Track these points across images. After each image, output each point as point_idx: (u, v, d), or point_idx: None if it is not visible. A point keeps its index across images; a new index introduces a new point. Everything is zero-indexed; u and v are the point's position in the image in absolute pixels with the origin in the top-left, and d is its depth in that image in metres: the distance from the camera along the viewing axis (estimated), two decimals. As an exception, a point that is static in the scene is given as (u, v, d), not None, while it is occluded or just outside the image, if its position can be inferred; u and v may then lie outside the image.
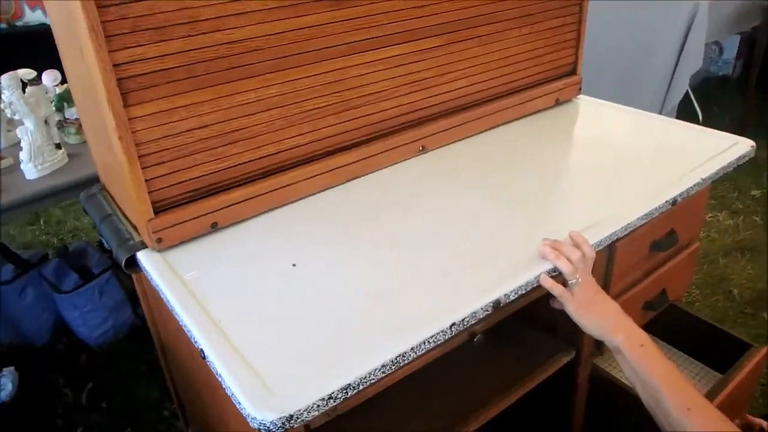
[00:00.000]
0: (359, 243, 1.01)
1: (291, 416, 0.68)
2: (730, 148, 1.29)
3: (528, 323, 1.27)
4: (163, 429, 1.84)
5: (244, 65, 0.98)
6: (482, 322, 0.92)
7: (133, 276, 1.25)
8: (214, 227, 1.04)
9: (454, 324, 0.81)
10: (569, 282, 0.92)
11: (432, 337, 0.79)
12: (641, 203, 1.10)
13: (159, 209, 0.98)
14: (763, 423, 1.17)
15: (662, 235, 1.24)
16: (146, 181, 0.95)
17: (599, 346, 1.25)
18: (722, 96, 3.98)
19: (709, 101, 3.75)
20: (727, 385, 1.24)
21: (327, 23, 1.04)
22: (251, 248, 1.01)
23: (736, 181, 2.99)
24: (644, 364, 0.87)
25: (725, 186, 2.96)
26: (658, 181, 1.18)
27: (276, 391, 0.71)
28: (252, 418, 0.68)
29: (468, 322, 0.83)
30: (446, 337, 0.81)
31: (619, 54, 3.32)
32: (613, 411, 1.29)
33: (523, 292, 0.89)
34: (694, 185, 1.17)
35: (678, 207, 1.18)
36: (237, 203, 1.05)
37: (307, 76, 1.06)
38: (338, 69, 1.09)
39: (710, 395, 1.24)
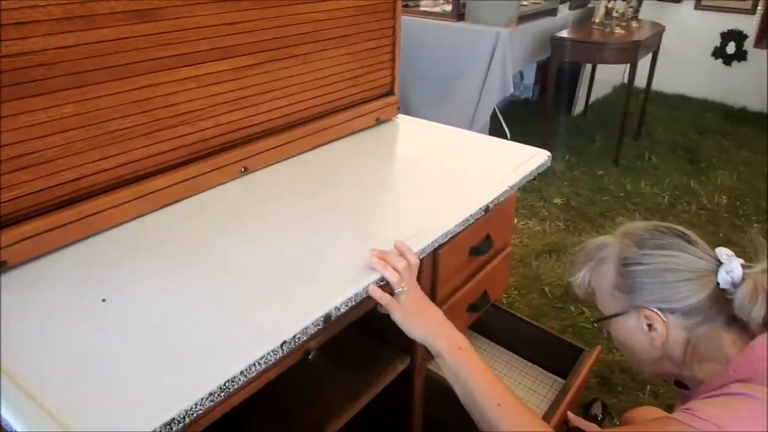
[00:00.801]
0: (179, 270, 0.94)
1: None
2: (530, 158, 1.41)
3: (362, 333, 1.28)
4: None
5: (29, 82, 0.87)
6: (316, 338, 0.90)
7: None
8: (3, 266, 0.91)
9: (285, 342, 0.79)
10: (396, 291, 0.94)
11: (262, 358, 0.76)
12: (458, 211, 1.16)
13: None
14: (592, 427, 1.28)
15: (479, 240, 1.32)
16: None
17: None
18: (526, 116, 4.41)
19: (515, 121, 4.13)
20: (570, 388, 1.36)
21: (128, 37, 0.97)
22: (52, 286, 0.90)
23: (542, 192, 3.31)
24: (461, 365, 0.91)
25: (533, 196, 3.26)
26: (472, 190, 1.25)
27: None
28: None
29: (299, 338, 0.81)
30: (278, 357, 0.78)
31: (435, 75, 3.54)
32: (449, 411, 1.34)
33: (353, 303, 0.89)
34: (503, 192, 1.26)
35: (491, 214, 1.27)
36: (30, 237, 0.93)
37: (110, 94, 0.98)
38: (146, 86, 1.02)
39: (559, 398, 1.35)
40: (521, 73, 4.67)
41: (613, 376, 2.02)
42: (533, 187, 3.32)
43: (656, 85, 4.27)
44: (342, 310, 0.87)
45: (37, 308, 0.85)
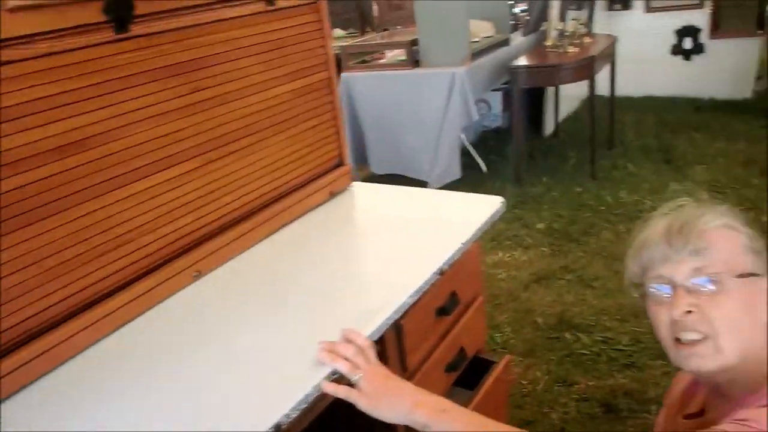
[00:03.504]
0: (128, 394, 0.95)
1: None
2: (483, 209, 1.43)
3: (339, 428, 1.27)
4: None
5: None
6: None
7: None
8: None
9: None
10: (352, 379, 0.93)
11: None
12: (413, 280, 1.17)
13: None
14: None
15: (444, 300, 1.32)
16: None
17: None
18: (498, 145, 4.46)
19: (489, 152, 4.18)
20: (474, 398, 1.34)
21: (52, 175, 0.99)
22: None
23: (523, 219, 3.32)
24: (451, 426, 0.88)
25: (515, 225, 3.27)
26: (427, 254, 1.26)
27: None
28: None
29: (254, 457, 0.81)
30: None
31: (397, 122, 3.60)
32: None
33: (305, 405, 0.89)
34: (457, 251, 1.27)
35: (452, 271, 1.27)
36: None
37: (40, 234, 0.98)
38: (80, 216, 1.03)
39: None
40: (488, 104, 4.75)
41: (617, 402, 2.00)
42: (514, 216, 3.34)
43: (622, 90, 4.34)
44: (293, 416, 0.86)
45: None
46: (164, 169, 1.17)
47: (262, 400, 0.88)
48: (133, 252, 1.13)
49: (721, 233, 0.89)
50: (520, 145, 3.69)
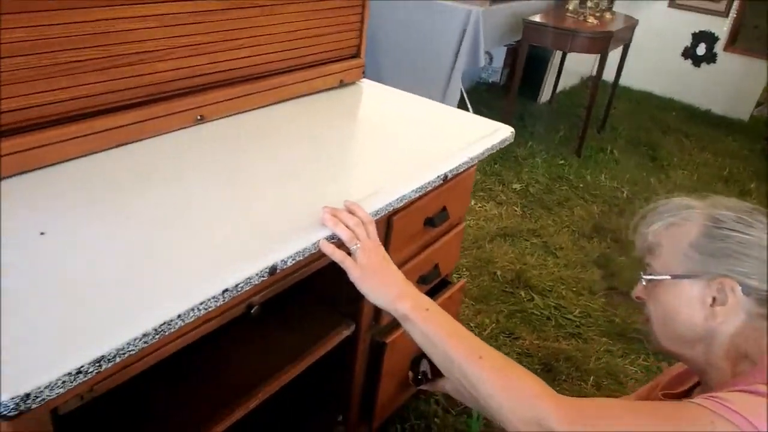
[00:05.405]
0: (125, 210, 0.91)
1: (27, 395, 0.58)
2: (493, 132, 1.41)
3: (307, 296, 1.27)
4: None
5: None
6: (261, 292, 0.89)
7: None
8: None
9: (226, 290, 0.77)
10: (351, 248, 0.91)
11: (202, 303, 0.74)
12: (416, 177, 1.15)
13: None
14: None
15: (435, 211, 1.31)
16: None
17: (377, 318, 1.29)
18: (491, 100, 4.42)
19: (480, 104, 4.13)
20: None
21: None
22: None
23: (501, 176, 3.33)
24: (432, 326, 0.87)
25: (492, 180, 3.28)
26: (432, 158, 1.24)
27: (8, 370, 0.60)
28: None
29: (242, 288, 0.79)
30: (218, 304, 0.76)
31: (407, 49, 3.52)
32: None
33: (301, 258, 0.87)
34: (463, 163, 1.25)
35: (449, 185, 1.26)
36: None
37: (61, 24, 0.92)
38: (101, 20, 0.97)
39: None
40: (490, 56, 4.68)
41: (557, 365, 2.04)
42: (493, 170, 3.35)
43: (623, 80, 4.33)
44: (288, 263, 0.85)
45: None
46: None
47: (259, 243, 0.86)
48: (144, 74, 1.07)
49: (668, 232, 0.93)
50: (514, 101, 3.66)
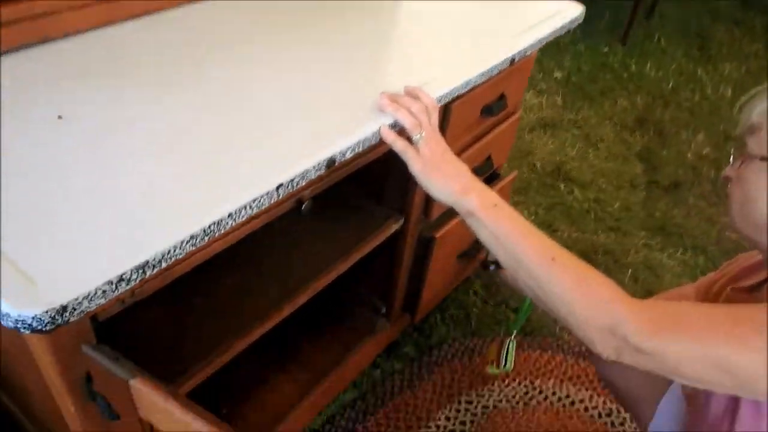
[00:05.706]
0: (158, 90, 0.80)
1: (64, 307, 0.50)
2: (562, 11, 1.25)
3: (356, 190, 1.17)
4: None
5: None
6: (312, 186, 0.79)
7: None
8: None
9: (281, 185, 0.67)
10: (413, 138, 0.81)
11: (255, 201, 0.65)
12: (480, 62, 1.02)
13: None
14: None
15: (493, 99, 1.19)
16: None
17: (426, 213, 1.20)
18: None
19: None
20: None
21: None
22: None
23: (542, 63, 3.13)
24: (501, 223, 0.80)
25: (533, 67, 3.07)
26: (495, 42, 1.10)
27: (41, 282, 0.52)
28: (7, 317, 0.49)
29: (298, 183, 0.69)
30: (272, 201, 0.66)
31: None
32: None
33: (360, 149, 0.77)
34: (531, 45, 1.12)
35: (509, 71, 1.13)
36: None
37: None
38: None
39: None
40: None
41: (596, 258, 2.01)
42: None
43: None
44: (347, 156, 0.75)
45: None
46: None
47: (314, 133, 0.75)
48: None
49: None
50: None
